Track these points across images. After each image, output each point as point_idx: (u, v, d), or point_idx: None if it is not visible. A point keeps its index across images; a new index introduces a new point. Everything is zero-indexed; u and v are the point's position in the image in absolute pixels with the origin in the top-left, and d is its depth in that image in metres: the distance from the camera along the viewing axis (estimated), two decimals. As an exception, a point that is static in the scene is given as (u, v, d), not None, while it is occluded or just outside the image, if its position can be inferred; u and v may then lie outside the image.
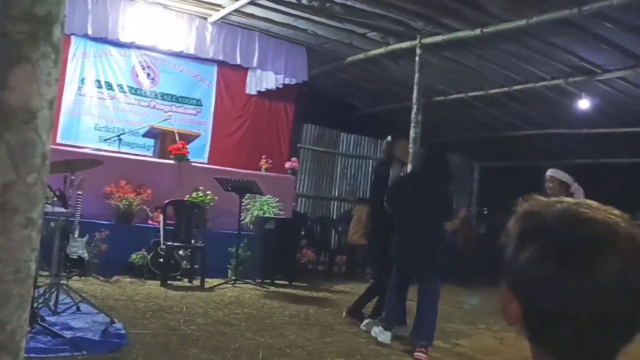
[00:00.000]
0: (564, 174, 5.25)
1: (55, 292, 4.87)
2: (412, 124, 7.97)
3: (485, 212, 14.48)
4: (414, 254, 5.01)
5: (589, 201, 0.87)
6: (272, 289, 7.53)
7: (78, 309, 4.94)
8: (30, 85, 1.30)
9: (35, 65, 1.32)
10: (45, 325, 4.25)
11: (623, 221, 0.82)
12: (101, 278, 6.91)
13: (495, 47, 7.74)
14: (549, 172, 5.30)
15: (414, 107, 7.97)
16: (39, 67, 1.33)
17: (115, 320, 4.69)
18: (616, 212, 0.84)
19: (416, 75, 8.02)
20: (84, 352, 3.89)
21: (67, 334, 4.18)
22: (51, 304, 4.81)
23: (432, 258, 5.05)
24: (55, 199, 5.17)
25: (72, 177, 5.10)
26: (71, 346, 3.97)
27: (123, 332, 4.36)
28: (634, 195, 11.46)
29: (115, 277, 7.08)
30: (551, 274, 0.80)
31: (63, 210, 5.11)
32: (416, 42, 7.96)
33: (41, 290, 4.90)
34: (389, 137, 5.91)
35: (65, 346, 3.97)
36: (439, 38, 7.72)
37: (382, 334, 5.07)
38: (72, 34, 8.64)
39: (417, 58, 8.00)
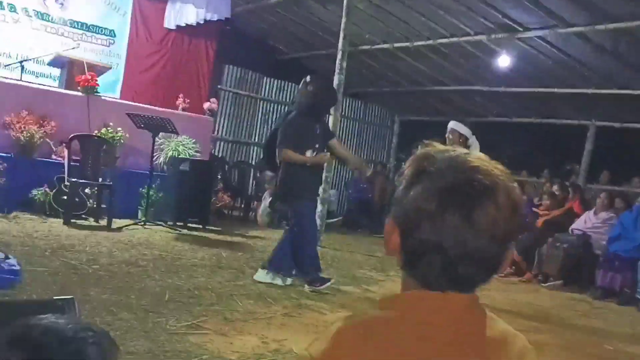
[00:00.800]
0: (465, 128, 5.51)
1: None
2: (337, 71, 7.80)
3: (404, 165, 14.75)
4: None
5: (479, 154, 0.94)
6: (185, 232, 7.32)
7: (-32, 244, 4.56)
8: None
9: None
10: None
11: (504, 175, 0.89)
12: (-2, 213, 6.44)
13: (423, -3, 7.67)
14: (451, 124, 5.52)
15: (339, 53, 7.79)
16: None
17: (9, 255, 4.36)
18: (500, 167, 0.91)
19: (343, 20, 7.81)
20: (-29, 288, 3.59)
21: (-47, 269, 3.84)
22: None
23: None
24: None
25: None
26: (-44, 282, 3.65)
27: (17, 268, 4.05)
28: (542, 154, 12.00)
29: (14, 213, 6.62)
30: (434, 211, 0.87)
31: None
32: (344, -15, 7.73)
33: None
34: (307, 77, 5.41)
35: (-51, 282, 3.65)
36: (368, -17, 7.55)
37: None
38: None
39: (345, 2, 7.78)
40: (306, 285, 4.98)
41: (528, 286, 7.17)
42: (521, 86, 9.49)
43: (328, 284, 4.99)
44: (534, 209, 8.21)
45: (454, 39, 8.55)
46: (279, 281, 4.98)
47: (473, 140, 5.45)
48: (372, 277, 6.12)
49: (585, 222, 7.62)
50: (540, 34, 7.56)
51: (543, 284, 7.24)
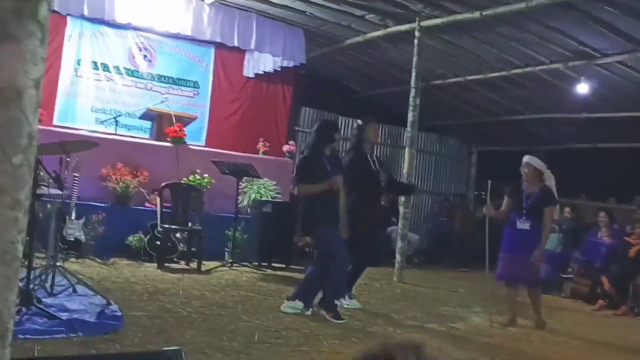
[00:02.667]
0: (539, 162, 5.59)
1: (52, 273, 4.87)
2: (411, 108, 7.93)
3: (483, 197, 14.48)
4: None
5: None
6: (269, 272, 7.55)
7: (74, 290, 4.94)
8: (16, 63, 1.27)
9: (21, 43, 1.29)
10: (42, 306, 4.25)
11: None
12: (98, 260, 6.91)
13: (495, 31, 7.68)
14: (525, 159, 5.60)
15: (412, 90, 7.93)
16: (25, 45, 1.30)
17: (111, 302, 4.70)
18: None
19: (414, 59, 7.97)
20: (80, 334, 3.91)
21: (63, 315, 4.19)
22: (47, 285, 4.81)
23: None
24: (51, 180, 5.15)
25: (68, 159, 5.06)
26: (67, 328, 3.98)
27: (119, 314, 4.37)
28: (632, 181, 11.47)
29: (112, 260, 7.08)
30: None
31: (59, 192, 5.09)
32: (415, 24, 7.88)
33: (37, 272, 4.91)
34: (359, 120, 5.92)
35: (61, 327, 3.98)
36: (437, 21, 7.66)
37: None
38: (68, 14, 8.55)
39: (415, 41, 7.94)
40: (322, 310, 5.14)
41: (623, 320, 6.84)
42: (603, 111, 9.23)
43: (340, 322, 5.02)
44: (626, 238, 7.86)
45: (529, 69, 8.47)
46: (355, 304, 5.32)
47: (548, 174, 5.59)
48: (456, 314, 6.07)
49: (683, 250, 7.22)
50: (619, 59, 7.38)
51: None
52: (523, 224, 5.46)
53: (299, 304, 5.20)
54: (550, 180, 5.55)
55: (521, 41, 7.81)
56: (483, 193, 15.32)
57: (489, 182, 5.92)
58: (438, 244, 11.50)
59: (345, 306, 5.56)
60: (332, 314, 5.07)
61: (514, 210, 5.60)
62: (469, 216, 12.45)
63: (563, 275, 8.35)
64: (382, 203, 10.45)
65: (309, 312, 5.23)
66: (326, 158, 5.32)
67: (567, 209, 8.95)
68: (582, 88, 8.13)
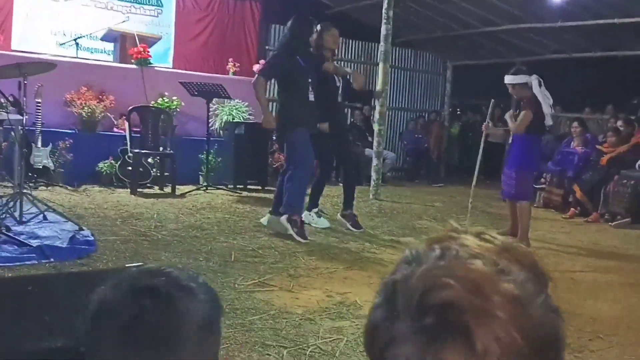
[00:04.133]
0: (519, 77, 5.25)
1: (19, 201, 4.74)
2: (384, 20, 7.67)
3: (458, 112, 14.47)
4: None
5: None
6: (245, 194, 7.50)
7: (45, 218, 4.84)
8: None
9: None
10: (11, 234, 4.16)
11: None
12: (69, 188, 6.77)
13: None
14: (507, 80, 5.31)
15: (385, 2, 7.65)
16: None
17: (83, 227, 4.62)
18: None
19: (387, -32, 7.63)
20: (52, 260, 3.84)
21: (34, 242, 4.10)
22: (16, 214, 4.69)
23: None
24: (10, 105, 4.93)
25: (25, 82, 4.81)
26: (38, 254, 3.91)
27: (91, 238, 4.30)
28: (605, 90, 11.50)
29: (83, 187, 6.95)
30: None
31: (19, 117, 4.87)
32: None
33: (4, 200, 4.78)
34: (318, 25, 5.48)
35: (32, 254, 3.91)
36: None
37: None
38: None
39: (388, -51, 7.58)
40: (283, 217, 5.00)
41: (595, 226, 7.01)
42: (579, 19, 9.04)
43: (302, 240, 4.90)
44: (598, 147, 7.93)
45: (504, -24, 8.20)
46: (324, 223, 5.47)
47: (533, 81, 5.22)
48: (432, 227, 6.14)
49: (654, 156, 7.32)
50: (596, -39, 7.15)
51: (610, 223, 7.05)
52: (511, 138, 5.46)
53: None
54: (535, 87, 5.20)
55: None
56: (458, 109, 15.35)
57: (492, 100, 5.72)
58: (414, 161, 11.53)
59: (314, 226, 5.53)
60: (296, 230, 4.94)
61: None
62: (443, 132, 12.46)
63: (536, 186, 8.44)
64: (357, 123, 10.42)
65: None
66: (307, 55, 5.16)
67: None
68: (559, -6, 7.92)
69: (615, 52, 10.11)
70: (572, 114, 10.46)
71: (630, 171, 7.28)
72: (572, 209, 7.59)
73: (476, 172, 5.81)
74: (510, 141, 5.53)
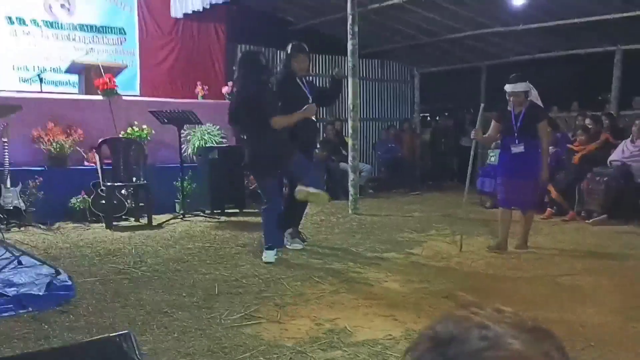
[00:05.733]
0: (521, 84, 5.28)
1: (-8, 248, 4.60)
2: (350, 36, 7.70)
3: (428, 119, 14.59)
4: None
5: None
6: (223, 219, 7.41)
7: (20, 262, 4.69)
8: None
9: None
10: (-15, 285, 4.03)
11: None
12: (42, 227, 6.62)
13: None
14: (509, 89, 5.30)
15: (349, 17, 7.68)
16: None
17: (60, 270, 4.50)
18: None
19: (349, -17, 7.67)
20: (30, 309, 3.71)
21: (10, 291, 3.97)
22: (-11, 261, 4.55)
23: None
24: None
25: (-10, 126, 4.69)
26: (15, 304, 3.78)
27: (69, 282, 4.18)
28: (570, 88, 11.71)
29: (57, 224, 6.81)
30: None
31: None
32: (346, -53, 7.55)
33: (-24, 248, 4.64)
34: (288, 47, 5.46)
35: (9, 305, 3.78)
36: (369, -59, 7.35)
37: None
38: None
39: (348, -36, 7.62)
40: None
41: (572, 225, 7.08)
42: (540, 21, 9.21)
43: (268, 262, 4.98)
44: (569, 146, 8.04)
45: (465, -16, 8.30)
46: (297, 245, 5.47)
47: (532, 89, 5.34)
48: (413, 239, 6.13)
49: (623, 151, 7.45)
50: (554, -35, 7.28)
51: (587, 221, 7.14)
52: (517, 147, 5.28)
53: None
54: (535, 94, 5.34)
55: (455, -44, 7.60)
56: (428, 115, 15.48)
57: (482, 105, 5.63)
58: (389, 170, 11.56)
59: (289, 247, 5.50)
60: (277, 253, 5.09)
61: (505, 135, 5.42)
62: (416, 140, 12.53)
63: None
64: (329, 137, 10.40)
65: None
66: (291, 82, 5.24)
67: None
68: None
69: (577, 51, 10.32)
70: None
71: (603, 168, 7.40)
72: (548, 209, 7.67)
73: (467, 182, 5.79)
74: (517, 148, 5.30)
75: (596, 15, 8.48)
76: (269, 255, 5.02)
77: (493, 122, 5.60)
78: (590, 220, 7.09)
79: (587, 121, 8.20)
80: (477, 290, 4.21)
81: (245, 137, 5.22)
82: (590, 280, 4.48)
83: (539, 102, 5.38)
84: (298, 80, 5.39)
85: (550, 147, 7.99)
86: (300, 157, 5.09)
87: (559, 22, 9.02)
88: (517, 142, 5.30)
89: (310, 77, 6.00)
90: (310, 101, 5.33)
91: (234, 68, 10.55)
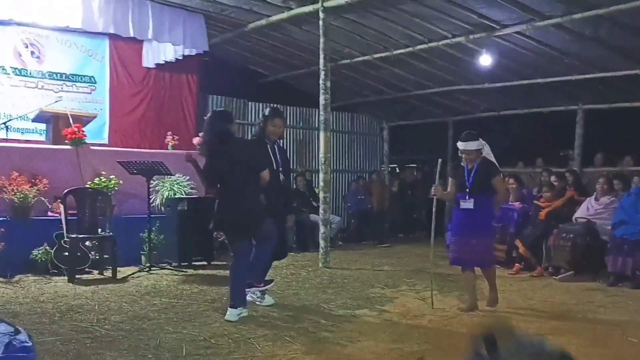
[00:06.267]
0: (474, 142, 5.28)
1: (-54, 305, 4.38)
2: (322, 91, 7.81)
3: (397, 171, 14.76)
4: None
5: None
6: (191, 271, 7.26)
7: (-25, 320, 4.46)
8: None
9: None
10: (-63, 346, 3.80)
11: None
12: (1, 279, 6.37)
13: (398, 7, 7.67)
14: (461, 146, 5.31)
15: (322, 73, 7.80)
16: None
17: (19, 329, 4.27)
18: None
19: (321, 40, 7.83)
20: (-15, 373, 3.51)
21: (-36, 352, 3.76)
22: (-58, 319, 4.31)
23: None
24: None
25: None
26: (-31, 367, 3.57)
27: (29, 344, 3.94)
28: (534, 144, 12.03)
29: (17, 277, 6.57)
30: None
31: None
32: (318, 5, 7.74)
33: None
34: (266, 111, 5.61)
35: (-38, 368, 3.57)
36: (341, 0, 7.55)
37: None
38: (-62, 13, 7.75)
39: (320, 22, 7.80)
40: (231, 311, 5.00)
41: (540, 281, 7.14)
42: (505, 80, 9.54)
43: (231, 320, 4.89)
44: (535, 202, 8.19)
45: (433, 44, 8.56)
46: (267, 300, 5.46)
47: (485, 146, 5.37)
48: (384, 295, 6.07)
49: (588, 209, 7.61)
50: (518, 29, 7.57)
51: (555, 277, 7.21)
52: (467, 204, 5.26)
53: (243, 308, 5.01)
54: (488, 152, 5.35)
55: (424, 17, 7.85)
56: (396, 166, 15.65)
57: (439, 160, 5.60)
58: (358, 222, 11.57)
59: (259, 304, 5.43)
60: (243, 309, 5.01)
61: (458, 190, 5.39)
62: (385, 191, 12.61)
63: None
64: (300, 189, 10.40)
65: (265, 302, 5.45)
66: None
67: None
68: (485, 60, 8.33)
69: (541, 109, 10.67)
70: (506, 169, 10.84)
71: (569, 225, 7.53)
72: (516, 264, 7.74)
73: (432, 238, 5.75)
74: (467, 204, 5.29)
75: (559, 76, 8.81)
76: (231, 314, 4.90)
77: (450, 179, 5.61)
78: (558, 277, 7.16)
79: (552, 178, 8.39)
80: (450, 350, 4.16)
81: (220, 197, 5.08)
82: (562, 341, 4.47)
83: (492, 159, 5.38)
84: (269, 146, 5.43)
85: (517, 203, 8.19)
86: (269, 222, 5.08)
87: (523, 82, 9.35)
88: (467, 198, 5.29)
89: (281, 142, 6.01)
90: (279, 167, 5.48)
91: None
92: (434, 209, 5.63)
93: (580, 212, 7.64)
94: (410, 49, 8.88)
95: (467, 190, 5.28)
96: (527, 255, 7.65)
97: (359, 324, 4.89)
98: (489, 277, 5.52)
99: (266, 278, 5.58)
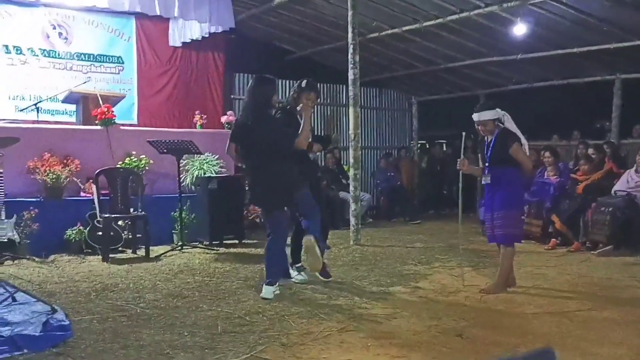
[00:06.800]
0: (489, 112, 5.03)
1: (-15, 285, 4.43)
2: (350, 65, 7.66)
3: (427, 147, 14.56)
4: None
5: None
6: (222, 250, 7.27)
7: (14, 299, 4.52)
8: None
9: None
10: (-23, 324, 3.86)
11: None
12: (36, 259, 6.46)
13: (428, -23, 7.45)
14: (475, 117, 5.07)
15: (350, 47, 7.64)
16: None
17: (56, 308, 4.32)
18: None
19: (349, 13, 7.65)
20: (25, 351, 3.54)
21: (4, 330, 3.80)
22: (-18, 298, 4.38)
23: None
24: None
25: (-14, 158, 4.56)
26: (10, 345, 3.60)
27: (66, 322, 4.00)
28: (570, 116, 11.71)
29: (52, 257, 6.65)
30: None
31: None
32: (346, -23, 7.56)
33: (-32, 284, 4.47)
34: (303, 82, 5.39)
35: (3, 347, 3.60)
36: (369, -29, 7.37)
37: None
38: (-33, -4, 7.81)
39: (348, -6, 7.62)
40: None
41: (578, 256, 6.96)
42: (539, 51, 9.23)
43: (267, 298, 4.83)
44: (573, 175, 7.97)
45: (464, 14, 8.30)
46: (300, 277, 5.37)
47: (502, 117, 5.05)
48: (418, 272, 5.98)
49: (628, 181, 7.37)
50: (554, -5, 7.29)
51: (593, 252, 7.02)
52: (485, 178, 5.09)
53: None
54: (509, 121, 5.04)
55: (455, -14, 7.61)
56: (426, 142, 15.45)
57: (464, 133, 5.42)
58: (388, 199, 11.46)
59: (294, 281, 5.39)
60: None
61: (484, 165, 5.18)
62: (414, 168, 12.46)
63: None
64: (329, 166, 10.31)
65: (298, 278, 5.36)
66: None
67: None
68: (520, 29, 8.04)
69: (576, 80, 10.33)
70: (541, 142, 10.56)
71: (607, 198, 7.31)
72: (552, 239, 7.56)
73: (460, 215, 5.60)
74: (486, 179, 5.14)
75: (596, 44, 8.49)
76: (267, 292, 4.85)
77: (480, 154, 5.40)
78: (596, 252, 6.97)
79: (590, 150, 8.14)
80: (489, 327, 4.07)
81: (252, 169, 5.08)
82: (603, 316, 4.35)
83: (514, 128, 5.06)
84: (299, 117, 5.30)
85: (554, 177, 7.97)
86: (306, 193, 4.99)
87: (558, 52, 9.04)
88: (486, 173, 5.11)
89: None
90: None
91: (232, 96, 10.54)
92: (460, 185, 5.48)
93: (620, 185, 7.40)
94: (440, 20, 8.63)
95: (487, 164, 5.10)
96: (564, 230, 7.47)
97: (393, 301, 4.81)
98: (502, 259, 5.12)
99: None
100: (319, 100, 5.77)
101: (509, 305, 4.70)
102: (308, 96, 5.32)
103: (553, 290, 5.22)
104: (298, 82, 5.43)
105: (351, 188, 7.91)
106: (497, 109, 5.07)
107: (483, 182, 5.17)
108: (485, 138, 5.16)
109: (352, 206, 7.80)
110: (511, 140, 4.98)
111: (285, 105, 5.44)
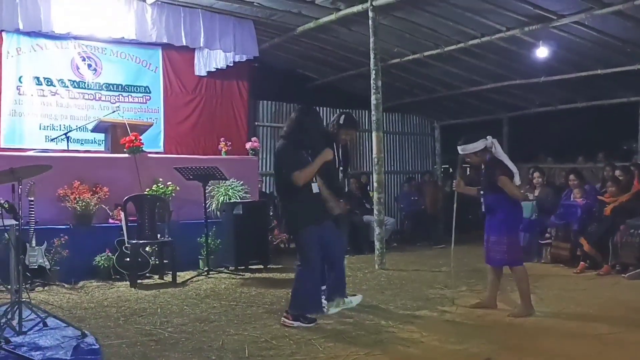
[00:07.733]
0: (474, 144, 5.04)
1: (18, 309, 4.52)
2: (373, 91, 7.74)
3: (450, 171, 14.48)
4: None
5: None
6: (248, 275, 7.30)
7: (45, 324, 4.60)
8: None
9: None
10: (11, 348, 3.93)
11: None
12: (66, 285, 6.56)
13: (449, 2, 7.53)
14: (460, 150, 5.13)
15: (372, 72, 7.73)
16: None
17: (86, 333, 4.38)
18: None
19: (371, 40, 7.76)
20: (57, 374, 3.60)
21: (36, 355, 3.87)
22: (15, 322, 4.46)
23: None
24: (3, 211, 4.77)
25: (20, 186, 4.68)
26: (42, 369, 3.67)
27: (96, 346, 4.06)
28: (595, 138, 11.60)
29: (81, 283, 6.74)
30: None
31: (14, 222, 4.72)
32: (367, 4, 7.68)
33: (2, 309, 4.56)
34: (342, 119, 5.33)
35: (35, 370, 3.67)
36: (390, -2, 7.48)
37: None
38: (1, 30, 8.09)
39: (370, 22, 7.73)
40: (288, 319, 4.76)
41: (608, 279, 6.84)
42: (563, 73, 9.23)
43: (311, 324, 4.72)
44: (600, 197, 7.87)
45: (486, 38, 8.36)
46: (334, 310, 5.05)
47: (490, 144, 5.06)
48: (444, 296, 5.93)
49: (657, 203, 7.26)
50: (576, 19, 7.30)
51: (623, 275, 6.90)
52: (483, 204, 5.15)
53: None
54: (497, 149, 5.07)
55: (476, 11, 7.68)
56: (449, 166, 15.40)
57: (460, 156, 5.41)
58: (412, 223, 11.41)
59: (352, 306, 5.23)
60: (302, 319, 4.70)
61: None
62: (438, 192, 12.41)
63: (541, 242, 8.34)
64: (353, 191, 10.34)
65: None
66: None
67: (536, 175, 8.89)
68: (542, 52, 8.06)
69: (600, 102, 10.27)
70: (566, 165, 10.48)
71: (636, 219, 7.19)
72: (581, 262, 7.45)
73: (453, 236, 5.62)
74: (483, 200, 5.13)
75: (620, 66, 8.46)
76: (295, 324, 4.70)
77: None
78: (627, 275, 6.84)
79: (617, 172, 8.05)
80: (517, 350, 4.02)
81: (280, 200, 5.10)
82: (636, 339, 4.26)
83: (503, 157, 5.05)
84: (334, 147, 5.28)
85: (580, 199, 7.89)
86: (331, 224, 4.95)
87: (582, 74, 9.02)
88: (482, 199, 5.14)
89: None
90: (340, 166, 5.37)
91: (256, 123, 10.69)
92: (454, 206, 5.48)
93: (649, 207, 7.29)
94: (462, 44, 8.70)
95: (481, 191, 5.15)
96: (593, 253, 7.35)
97: (420, 324, 4.78)
98: (516, 279, 5.12)
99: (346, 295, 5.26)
100: (327, 111, 5.73)
101: (537, 328, 4.64)
102: (347, 132, 5.35)
103: (584, 314, 5.13)
104: (336, 116, 5.44)
105: (375, 212, 7.92)
106: (485, 139, 5.07)
107: (483, 207, 5.17)
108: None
109: (377, 230, 7.80)
110: (499, 172, 4.99)
111: (322, 134, 5.21)
